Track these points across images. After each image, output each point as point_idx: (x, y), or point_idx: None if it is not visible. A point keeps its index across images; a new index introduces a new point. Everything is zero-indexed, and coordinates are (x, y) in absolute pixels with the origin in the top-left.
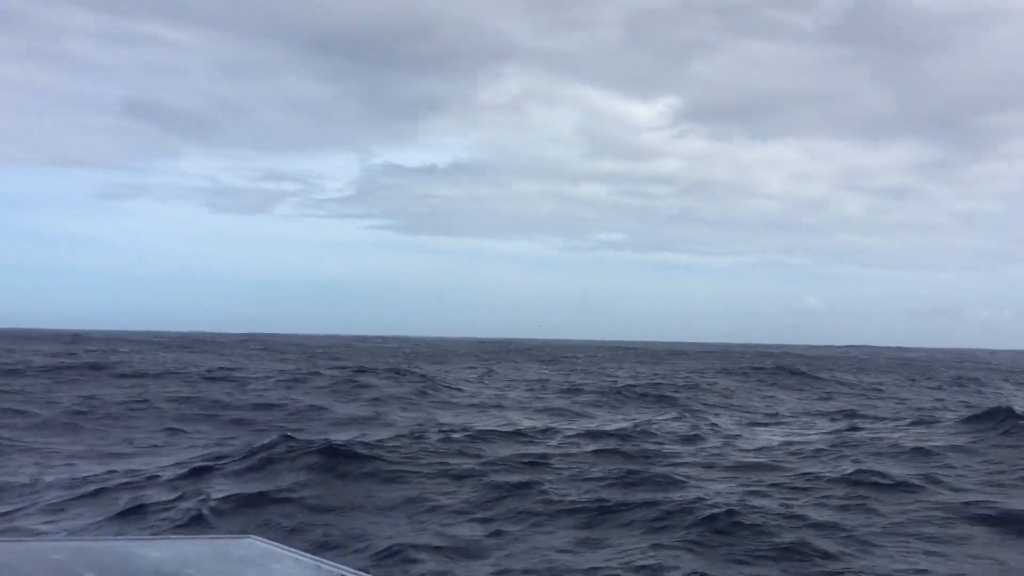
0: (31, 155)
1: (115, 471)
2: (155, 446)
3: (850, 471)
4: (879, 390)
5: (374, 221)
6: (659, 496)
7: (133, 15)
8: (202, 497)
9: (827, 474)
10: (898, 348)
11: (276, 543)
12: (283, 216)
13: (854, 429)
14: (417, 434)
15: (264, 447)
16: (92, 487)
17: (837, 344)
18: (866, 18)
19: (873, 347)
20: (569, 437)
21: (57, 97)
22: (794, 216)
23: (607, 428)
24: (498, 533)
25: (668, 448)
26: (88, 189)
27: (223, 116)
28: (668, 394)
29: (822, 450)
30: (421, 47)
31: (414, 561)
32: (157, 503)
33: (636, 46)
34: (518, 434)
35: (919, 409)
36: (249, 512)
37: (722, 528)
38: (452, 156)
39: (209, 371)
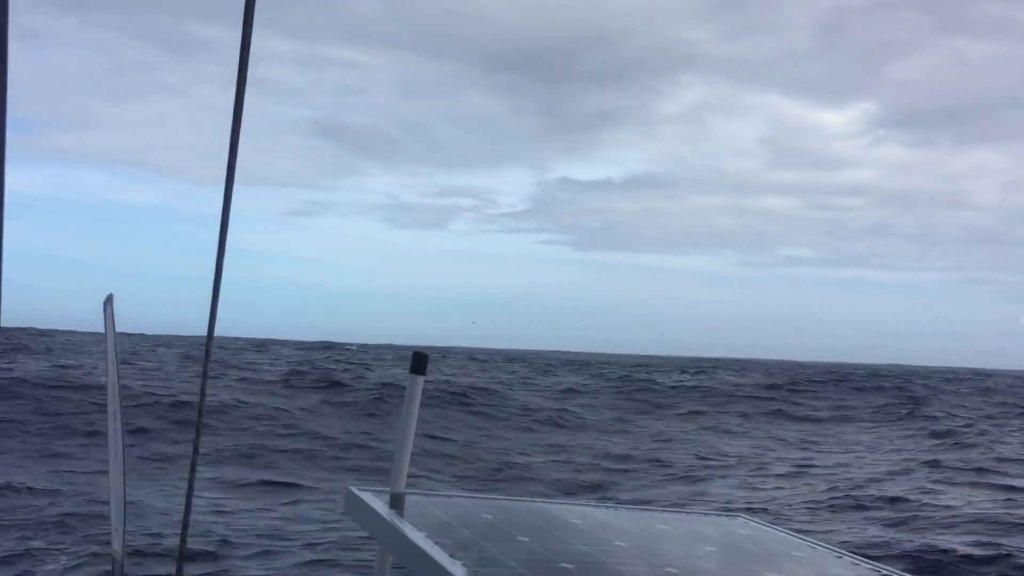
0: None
1: None
2: None
3: None
4: None
5: (548, 236)
6: None
7: (323, 40)
8: None
9: None
10: None
11: (767, 523)
12: (459, 231)
13: None
14: None
15: None
16: None
17: None
18: None
19: None
20: None
21: (255, 120)
22: (1007, 228)
23: None
24: None
25: None
26: (280, 207)
27: (403, 134)
28: None
29: None
30: (598, 59)
31: None
32: None
33: (827, 49)
34: None
35: None
36: None
37: None
38: (628, 169)
39: None
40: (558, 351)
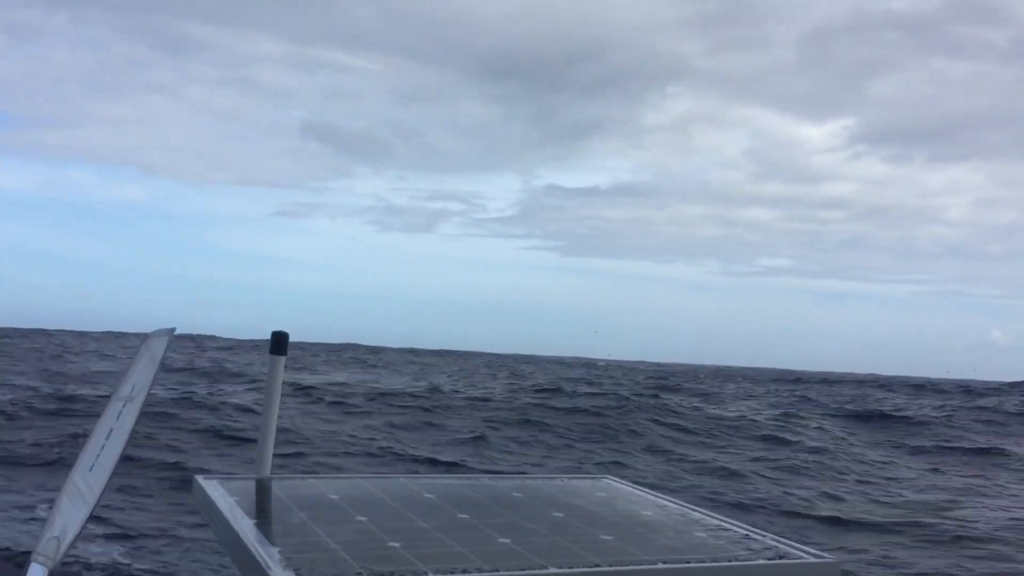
0: (223, 176)
1: None
2: None
3: None
4: None
5: (535, 242)
6: None
7: (315, 43)
8: None
9: None
10: None
11: (631, 483)
12: (446, 235)
13: None
14: None
15: None
16: None
17: None
18: None
19: None
20: None
21: (246, 121)
22: (980, 244)
23: None
24: None
25: None
26: (269, 208)
27: (394, 138)
28: None
29: None
30: (589, 70)
31: None
32: None
33: (810, 65)
34: None
35: None
36: None
37: None
38: (615, 178)
39: None
40: (539, 356)
